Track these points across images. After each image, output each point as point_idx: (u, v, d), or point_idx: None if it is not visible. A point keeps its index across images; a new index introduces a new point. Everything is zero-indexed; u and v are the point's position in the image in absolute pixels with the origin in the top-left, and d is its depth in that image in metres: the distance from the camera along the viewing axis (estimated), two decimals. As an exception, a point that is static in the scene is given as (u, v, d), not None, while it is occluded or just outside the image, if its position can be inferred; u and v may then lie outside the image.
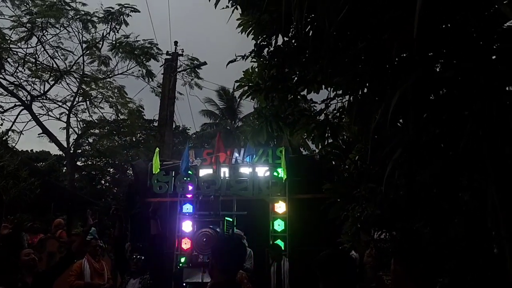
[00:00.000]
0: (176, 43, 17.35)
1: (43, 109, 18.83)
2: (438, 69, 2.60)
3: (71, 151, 19.26)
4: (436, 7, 2.23)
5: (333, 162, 5.05)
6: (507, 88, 2.33)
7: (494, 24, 2.30)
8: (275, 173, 8.88)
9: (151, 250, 5.85)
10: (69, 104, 19.04)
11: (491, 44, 2.32)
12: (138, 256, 5.53)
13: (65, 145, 18.93)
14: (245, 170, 9.12)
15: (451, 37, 2.36)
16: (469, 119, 2.33)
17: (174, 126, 20.91)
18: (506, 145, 2.21)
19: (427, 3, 2.07)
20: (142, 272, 5.55)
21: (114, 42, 18.29)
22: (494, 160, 2.29)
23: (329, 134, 4.41)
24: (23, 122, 18.25)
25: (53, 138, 18.46)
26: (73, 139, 19.82)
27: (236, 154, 9.68)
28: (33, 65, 17.68)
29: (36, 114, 18.05)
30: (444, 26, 2.37)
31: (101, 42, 18.44)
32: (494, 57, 2.37)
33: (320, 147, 4.68)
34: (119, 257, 5.95)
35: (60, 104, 19.06)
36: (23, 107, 17.80)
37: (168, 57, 16.88)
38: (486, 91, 2.22)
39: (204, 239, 7.08)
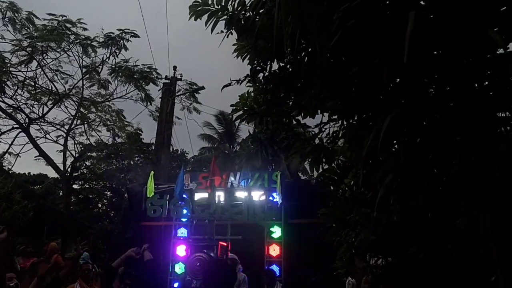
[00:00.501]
0: (175, 68, 17.53)
1: (40, 132, 18.78)
2: (431, 94, 2.62)
3: (68, 174, 19.16)
4: (427, 34, 2.26)
5: (330, 187, 5.05)
6: (498, 114, 2.34)
7: (485, 51, 2.32)
8: (270, 198, 8.85)
9: (143, 277, 5.76)
10: (66, 127, 19.04)
11: (482, 71, 2.34)
12: (128, 282, 5.45)
13: (62, 168, 18.85)
14: (240, 194, 9.09)
15: (442, 63, 2.38)
16: (461, 144, 2.34)
17: (172, 150, 20.90)
18: (497, 171, 2.20)
19: (418, 29, 2.10)
20: None
21: (113, 66, 18.42)
22: (485, 186, 2.28)
23: (324, 159, 4.41)
24: (20, 145, 18.21)
25: (49, 161, 18.38)
26: (70, 162, 19.74)
27: (231, 178, 9.66)
28: (33, 88, 17.76)
29: (34, 137, 18.01)
30: (435, 52, 2.40)
31: (100, 66, 18.59)
32: (485, 83, 2.39)
33: (315, 171, 4.67)
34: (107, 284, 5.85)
35: (58, 127, 19.05)
36: (20, 130, 17.79)
37: (167, 81, 17.00)
38: (478, 116, 2.23)
39: (198, 264, 7.00)
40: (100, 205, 27.34)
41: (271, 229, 8.88)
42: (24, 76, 17.23)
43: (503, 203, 2.27)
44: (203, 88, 18.07)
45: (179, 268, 8.54)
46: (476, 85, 2.31)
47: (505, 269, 2.18)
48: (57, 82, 18.03)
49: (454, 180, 2.47)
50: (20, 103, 17.66)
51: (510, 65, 2.15)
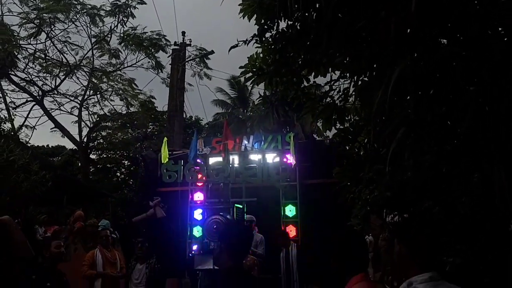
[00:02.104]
0: (184, 33, 17.31)
1: (54, 104, 18.99)
2: (442, 45, 2.52)
3: (84, 145, 19.41)
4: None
5: (345, 147, 5.01)
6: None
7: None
8: (284, 159, 8.85)
9: (159, 235, 5.81)
10: (80, 98, 19.16)
11: (495, 16, 2.24)
12: (141, 240, 5.51)
13: (78, 139, 19.08)
14: (254, 157, 9.10)
15: (453, 10, 2.28)
16: (474, 95, 2.27)
17: (185, 117, 20.93)
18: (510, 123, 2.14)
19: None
20: (148, 257, 5.55)
21: (122, 35, 18.30)
22: (499, 138, 2.22)
23: (335, 117, 4.35)
24: (35, 117, 18.48)
25: (65, 132, 18.63)
26: (86, 132, 19.96)
27: (245, 142, 9.66)
28: (43, 61, 17.80)
29: (48, 109, 18.23)
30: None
31: (109, 35, 18.47)
32: (500, 29, 2.29)
33: (327, 130, 4.63)
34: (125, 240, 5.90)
35: (72, 98, 19.19)
36: (34, 103, 17.98)
37: (176, 47, 16.85)
38: (492, 65, 2.15)
39: (215, 226, 7.11)
40: (118, 174, 27.79)
41: (286, 190, 8.92)
42: (34, 48, 17.29)
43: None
44: (212, 52, 17.87)
45: (197, 231, 8.68)
46: (489, 32, 2.21)
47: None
48: (67, 54, 18.08)
49: (467, 132, 2.41)
50: (32, 76, 17.82)
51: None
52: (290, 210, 8.86)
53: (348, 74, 3.78)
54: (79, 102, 19.23)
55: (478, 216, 2.96)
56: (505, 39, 2.23)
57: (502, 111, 2.12)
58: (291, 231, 8.64)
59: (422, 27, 2.26)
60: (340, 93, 4.20)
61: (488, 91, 2.13)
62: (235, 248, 2.96)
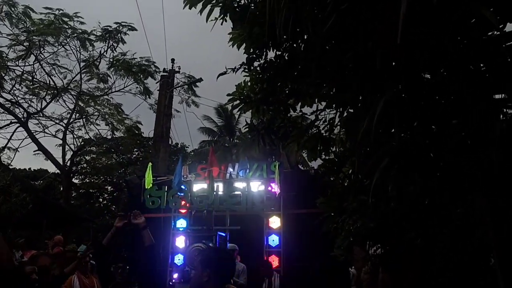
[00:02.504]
0: (173, 60, 17.45)
1: (39, 126, 18.80)
2: (426, 78, 2.59)
3: (67, 169, 19.16)
4: (421, 15, 2.23)
5: (330, 177, 5.03)
6: (494, 96, 2.31)
7: (481, 33, 2.29)
8: (269, 188, 8.83)
9: (143, 262, 5.58)
10: (65, 121, 19.03)
11: (478, 53, 2.31)
12: (122, 265, 5.28)
13: (61, 162, 18.85)
14: (239, 185, 9.07)
15: (438, 46, 2.35)
16: (457, 128, 2.32)
17: (171, 143, 20.86)
18: (494, 153, 2.18)
19: (412, 10, 2.07)
20: (129, 285, 5.36)
21: (112, 60, 18.37)
22: (482, 170, 2.26)
23: (321, 147, 4.38)
24: (19, 139, 18.24)
25: (48, 155, 18.38)
26: (70, 156, 19.75)
27: (230, 169, 9.64)
28: (31, 83, 17.73)
29: (32, 131, 18.02)
30: (428, 34, 2.36)
31: (99, 60, 18.52)
32: (481, 65, 2.36)
33: (312, 160, 4.65)
34: (102, 265, 5.54)
35: (57, 121, 19.05)
36: (19, 124, 17.78)
37: (165, 74, 16.94)
38: (474, 99, 2.20)
39: (197, 254, 6.99)
40: (101, 199, 27.45)
41: (270, 219, 8.87)
42: (22, 70, 17.25)
43: (500, 186, 2.25)
44: (201, 80, 18.01)
45: (178, 259, 8.55)
46: (471, 67, 2.28)
47: (502, 251, 2.16)
48: (55, 76, 18.05)
49: (450, 165, 2.45)
50: (18, 98, 17.71)
51: (506, 46, 2.12)
52: (273, 240, 8.79)
53: (334, 105, 3.83)
54: (64, 125, 19.10)
55: (458, 248, 2.98)
56: (486, 75, 2.30)
57: (484, 144, 2.16)
58: (274, 261, 8.54)
59: (406, 60, 2.31)
60: (326, 123, 4.25)
61: (470, 124, 2.17)
62: (223, 275, 2.84)
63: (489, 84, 2.22)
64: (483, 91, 2.21)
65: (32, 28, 16.54)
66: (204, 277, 2.72)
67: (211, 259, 2.86)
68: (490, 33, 2.28)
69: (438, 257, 3.02)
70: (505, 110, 2.39)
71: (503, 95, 2.30)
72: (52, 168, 23.01)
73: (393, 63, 2.53)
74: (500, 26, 2.14)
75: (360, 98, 2.98)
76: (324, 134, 4.29)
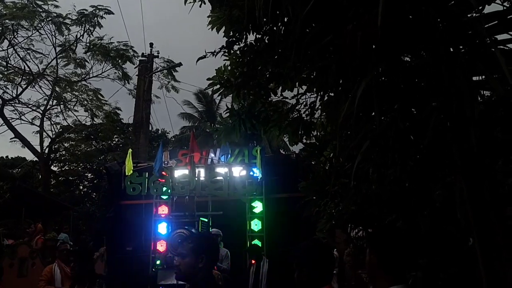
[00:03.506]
0: (151, 44, 17.22)
1: (15, 113, 18.40)
2: (405, 60, 2.58)
3: (45, 156, 18.85)
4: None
5: (311, 161, 5.03)
6: (474, 78, 2.32)
7: (460, 14, 2.29)
8: (251, 173, 8.83)
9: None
10: (42, 108, 18.66)
11: (457, 34, 2.31)
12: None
13: (39, 150, 18.52)
14: (220, 170, 9.05)
15: (417, 28, 2.34)
16: (436, 110, 2.32)
17: (152, 130, 20.68)
18: (473, 135, 2.19)
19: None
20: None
21: (88, 44, 18.01)
22: (461, 152, 2.27)
23: (302, 131, 4.37)
24: (-6, 127, 17.82)
25: (26, 143, 18.05)
26: (48, 143, 19.42)
27: (212, 155, 9.60)
28: (5, 69, 17.28)
29: (8, 118, 17.63)
30: (409, 16, 2.35)
31: (75, 45, 18.14)
32: (460, 47, 2.36)
33: (294, 144, 4.65)
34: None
35: (34, 108, 18.66)
36: (-6, 112, 17.39)
37: (144, 58, 16.70)
38: (453, 81, 2.20)
39: (179, 240, 6.98)
40: (81, 187, 27.17)
41: (252, 204, 8.89)
42: (-5, 56, 16.76)
43: (479, 166, 2.28)
44: (180, 64, 17.83)
45: (161, 246, 8.53)
46: (451, 49, 2.27)
47: (480, 231, 2.20)
48: (30, 62, 17.63)
49: (429, 146, 2.46)
50: (-7, 84, 17.23)
51: (485, 28, 2.12)
52: (256, 224, 8.82)
53: (314, 89, 3.81)
54: (41, 112, 18.72)
55: (438, 229, 3.02)
56: (466, 57, 2.30)
57: (463, 125, 2.17)
58: (256, 225, 8.65)
59: (387, 42, 2.30)
60: (307, 107, 4.23)
61: (450, 105, 2.18)
62: (213, 259, 2.87)
63: (468, 66, 2.23)
64: (462, 73, 2.22)
65: (4, 12, 16.06)
66: (199, 263, 2.76)
67: (204, 245, 2.89)
68: (469, 15, 2.28)
69: (418, 238, 3.05)
70: (482, 92, 2.41)
71: (481, 77, 2.31)
72: (30, 156, 22.63)
73: (373, 46, 2.51)
74: (479, 8, 2.14)
75: (341, 81, 2.97)
76: (305, 118, 4.28)
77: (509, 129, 2.37)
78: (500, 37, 2.18)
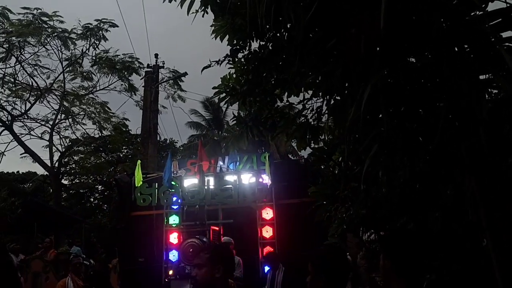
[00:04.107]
0: (156, 55, 17.32)
1: (24, 129, 18.58)
2: (411, 61, 2.57)
3: (55, 170, 18.97)
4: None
5: (321, 166, 5.02)
6: (480, 77, 2.31)
7: (464, 13, 2.28)
8: (260, 180, 8.82)
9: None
10: (51, 122, 18.82)
11: (462, 33, 2.29)
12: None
13: (49, 164, 18.65)
14: (230, 178, 9.04)
15: (420, 29, 2.33)
16: (444, 110, 2.30)
17: (160, 139, 20.76)
18: (482, 134, 2.17)
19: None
20: None
21: (94, 58, 18.18)
22: (470, 151, 2.25)
23: (309, 136, 4.36)
24: (4, 143, 17.98)
25: (36, 158, 18.19)
26: (57, 157, 19.56)
27: (220, 163, 9.60)
28: (13, 85, 17.48)
29: (18, 134, 17.79)
30: (411, 17, 2.34)
31: (81, 58, 18.31)
32: (465, 46, 2.34)
33: (302, 150, 4.64)
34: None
35: (42, 123, 18.83)
36: (3, 128, 17.54)
37: (149, 69, 16.80)
38: (459, 80, 2.19)
39: (191, 250, 6.99)
40: (92, 199, 27.27)
41: (263, 211, 8.86)
42: (3, 73, 16.97)
43: (489, 166, 2.25)
44: (185, 74, 17.90)
45: (173, 256, 8.53)
46: (456, 48, 2.26)
47: (494, 232, 2.17)
48: (37, 77, 17.82)
49: (438, 147, 2.44)
50: (2, 101, 17.43)
51: (489, 26, 2.10)
52: (267, 231, 8.80)
53: (320, 93, 3.80)
54: (50, 126, 18.88)
55: (450, 231, 2.99)
56: (471, 55, 2.28)
57: (472, 124, 2.15)
58: (267, 231, 8.61)
59: (390, 45, 2.29)
60: (314, 112, 4.23)
61: (457, 106, 2.16)
62: (230, 269, 2.88)
63: (474, 65, 2.21)
64: (468, 72, 2.20)
65: (10, 29, 16.25)
66: (216, 273, 2.73)
67: (221, 255, 2.88)
68: (472, 14, 2.26)
69: (430, 240, 3.02)
70: (490, 90, 2.39)
71: (488, 75, 2.29)
72: (40, 170, 22.80)
73: (378, 48, 2.51)
74: (483, 6, 2.13)
75: (346, 85, 2.96)
76: (312, 123, 4.27)
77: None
78: (505, 34, 2.16)
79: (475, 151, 2.23)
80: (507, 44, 2.11)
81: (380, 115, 2.70)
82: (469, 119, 2.16)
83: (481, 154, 2.22)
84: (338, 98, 3.27)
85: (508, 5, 2.16)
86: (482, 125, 2.14)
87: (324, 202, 4.49)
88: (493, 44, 2.13)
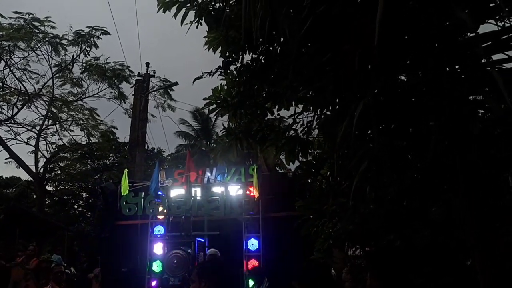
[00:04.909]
0: (148, 64, 17.25)
1: (10, 133, 18.36)
2: (403, 80, 2.59)
3: (40, 176, 18.74)
4: (397, 16, 2.23)
5: (309, 180, 5.02)
6: (470, 98, 2.33)
7: (456, 34, 2.31)
8: (247, 192, 8.77)
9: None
10: (38, 127, 18.63)
11: (453, 54, 2.32)
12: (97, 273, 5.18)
13: (34, 169, 18.42)
14: (217, 190, 8.98)
15: (413, 48, 2.36)
16: (434, 130, 2.32)
17: (147, 148, 20.64)
18: (471, 154, 2.19)
19: (389, 13, 2.06)
20: None
21: (85, 65, 18.08)
22: (464, 169, 2.27)
23: (298, 149, 4.37)
24: (-11, 147, 17.72)
25: (20, 163, 17.96)
26: (43, 163, 19.34)
27: (208, 174, 9.55)
28: (1, 89, 17.30)
29: (3, 139, 17.57)
30: (405, 36, 2.37)
31: (71, 65, 18.20)
32: (457, 67, 2.37)
33: (290, 163, 4.64)
34: None
35: (29, 128, 18.63)
36: (-11, 132, 17.33)
37: (140, 78, 16.74)
38: (450, 101, 2.21)
39: (175, 261, 6.92)
40: (76, 206, 26.94)
41: (249, 223, 8.81)
42: (-9, 77, 16.79)
43: (477, 185, 2.27)
44: (176, 84, 17.86)
45: (156, 266, 8.41)
46: (447, 69, 2.29)
47: (482, 251, 2.17)
48: (26, 82, 17.66)
49: (428, 166, 2.46)
50: (-12, 105, 17.23)
51: (480, 47, 2.13)
52: (252, 244, 8.73)
53: (311, 108, 3.82)
54: (36, 131, 18.69)
55: (436, 249, 3.00)
56: (462, 76, 2.31)
57: (461, 145, 2.17)
58: (253, 244, 8.54)
59: (384, 62, 2.31)
60: (304, 126, 4.24)
61: (447, 125, 2.18)
62: (218, 285, 2.88)
63: (465, 86, 2.24)
64: (459, 92, 2.23)
65: (1, 33, 16.14)
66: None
67: (206, 271, 2.93)
68: (464, 35, 2.30)
69: (417, 258, 3.03)
70: (480, 111, 2.42)
71: (478, 96, 2.32)
72: (25, 176, 22.49)
73: (370, 66, 2.53)
74: (474, 28, 2.16)
75: (337, 100, 2.97)
76: (302, 137, 4.28)
77: (506, 147, 2.37)
78: (496, 56, 2.19)
79: (468, 169, 2.24)
80: (498, 66, 2.14)
81: (370, 132, 2.72)
82: (462, 137, 2.18)
83: (474, 171, 2.24)
84: (329, 113, 3.29)
85: (499, 27, 2.20)
86: (476, 142, 2.17)
87: (311, 217, 4.49)
88: (484, 66, 2.16)
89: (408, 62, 2.47)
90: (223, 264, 3.20)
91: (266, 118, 4.60)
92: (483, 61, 2.19)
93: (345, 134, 2.47)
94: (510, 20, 2.22)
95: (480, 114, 2.45)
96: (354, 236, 3.92)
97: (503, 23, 2.23)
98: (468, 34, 2.29)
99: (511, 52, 2.13)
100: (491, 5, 2.18)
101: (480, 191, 2.21)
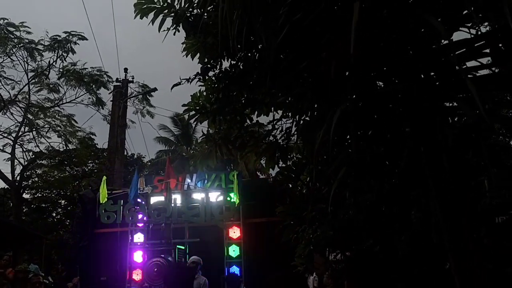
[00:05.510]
0: (126, 69, 17.09)
1: (-15, 141, 17.96)
2: (379, 87, 2.62)
3: (17, 184, 18.35)
4: (372, 26, 2.25)
5: (289, 185, 5.02)
6: (445, 104, 2.37)
7: (430, 42, 2.34)
8: (228, 198, 8.75)
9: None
10: (14, 134, 18.26)
11: (428, 62, 2.35)
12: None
13: (10, 177, 18.04)
14: (197, 196, 8.94)
15: (388, 55, 2.38)
16: (410, 136, 2.35)
17: (127, 154, 20.42)
18: (445, 160, 2.22)
19: (364, 21, 2.08)
20: None
21: (62, 70, 17.82)
22: (435, 175, 2.29)
23: (278, 154, 4.38)
24: (-38, 155, 17.33)
25: (-5, 171, 17.59)
26: (19, 170, 18.94)
27: (188, 180, 9.50)
28: (-26, 96, 16.95)
29: (-22, 146, 17.19)
30: (380, 44, 2.39)
31: (48, 70, 17.91)
32: (431, 74, 2.40)
33: (270, 169, 4.64)
34: None
35: (5, 135, 18.24)
36: (-37, 139, 16.93)
37: (118, 84, 16.57)
38: (424, 107, 2.24)
39: (155, 269, 6.85)
40: (54, 214, 26.44)
41: (230, 229, 8.78)
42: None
43: (452, 191, 2.30)
44: (155, 89, 17.76)
45: (137, 275, 8.31)
46: (422, 76, 2.32)
47: (456, 254, 2.20)
48: (1, 88, 17.30)
49: (404, 171, 2.48)
50: (-38, 112, 16.84)
51: (454, 55, 2.16)
52: (233, 250, 8.70)
53: (290, 114, 3.83)
54: (12, 138, 18.31)
55: (416, 254, 3.02)
56: (437, 83, 2.34)
57: (436, 150, 2.20)
58: (234, 250, 8.52)
59: (360, 70, 2.33)
60: (283, 132, 4.24)
61: (422, 131, 2.21)
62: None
63: (440, 93, 2.27)
64: (433, 99, 2.26)
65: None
66: None
67: (163, 276, 2.92)
68: (438, 42, 2.33)
69: (396, 263, 3.05)
70: (455, 118, 2.45)
71: (452, 103, 2.35)
72: (0, 184, 22.03)
73: (347, 73, 2.54)
74: (448, 35, 2.19)
75: (316, 106, 2.98)
76: (281, 143, 4.28)
77: (481, 152, 2.41)
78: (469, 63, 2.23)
79: (439, 176, 2.27)
80: (472, 73, 2.18)
81: (348, 137, 2.73)
82: (434, 145, 2.21)
83: (444, 179, 2.26)
84: (308, 119, 3.30)
85: (472, 35, 2.24)
86: (446, 151, 2.19)
87: (292, 222, 4.48)
88: (458, 72, 2.19)
89: (384, 69, 2.49)
90: (184, 270, 3.18)
91: (245, 124, 4.59)
92: (456, 68, 2.22)
93: (324, 140, 2.48)
94: (485, 27, 2.26)
95: (456, 119, 2.48)
96: (335, 242, 3.92)
97: (476, 30, 2.27)
98: (443, 41, 2.32)
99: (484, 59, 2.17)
100: (464, 12, 2.21)
101: (450, 195, 2.23)
